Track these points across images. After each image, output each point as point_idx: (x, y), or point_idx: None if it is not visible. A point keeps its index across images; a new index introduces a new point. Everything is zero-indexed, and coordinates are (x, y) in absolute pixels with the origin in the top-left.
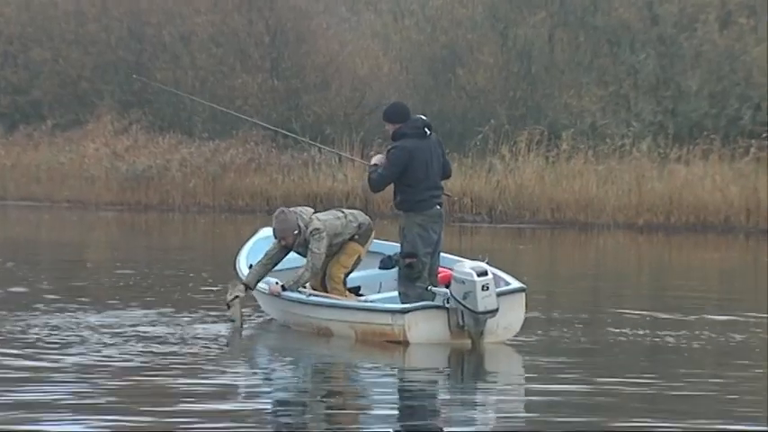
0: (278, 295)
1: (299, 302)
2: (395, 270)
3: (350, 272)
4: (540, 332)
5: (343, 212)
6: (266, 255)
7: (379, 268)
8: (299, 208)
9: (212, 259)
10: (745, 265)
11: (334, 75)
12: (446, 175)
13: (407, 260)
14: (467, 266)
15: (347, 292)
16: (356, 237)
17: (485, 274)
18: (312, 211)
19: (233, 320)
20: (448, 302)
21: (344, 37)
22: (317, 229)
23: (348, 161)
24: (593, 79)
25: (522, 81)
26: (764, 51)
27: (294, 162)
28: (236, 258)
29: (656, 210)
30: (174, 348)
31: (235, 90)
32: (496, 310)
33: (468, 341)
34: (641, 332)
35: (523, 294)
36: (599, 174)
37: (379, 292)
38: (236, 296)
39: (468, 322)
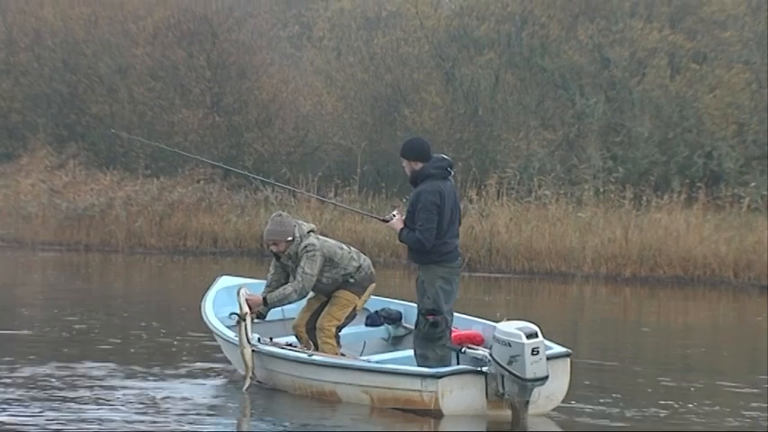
0: (258, 311)
1: (297, 362)
2: (382, 329)
3: (343, 326)
4: (573, 402)
5: (347, 247)
6: (268, 281)
7: (366, 325)
8: (300, 220)
9: (162, 306)
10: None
11: (278, 112)
12: (460, 221)
13: (431, 318)
14: (513, 326)
15: (339, 350)
16: (351, 281)
17: (535, 335)
18: (313, 227)
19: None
20: (484, 367)
21: (288, 73)
22: (313, 244)
23: (305, 201)
24: (541, 122)
25: (469, 122)
26: (716, 99)
27: (248, 202)
28: (202, 312)
29: (635, 260)
30: (145, 416)
31: (174, 125)
32: (546, 377)
33: (508, 412)
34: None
35: (568, 360)
36: (578, 221)
37: (362, 354)
38: (248, 313)
39: (510, 390)
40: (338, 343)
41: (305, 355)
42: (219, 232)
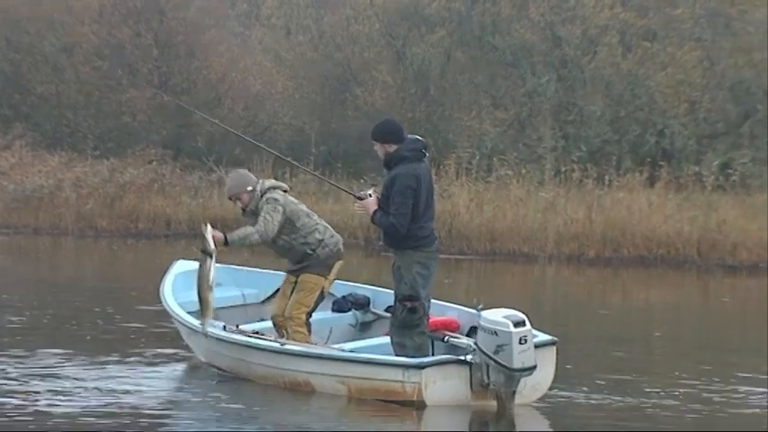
0: (221, 244)
1: (269, 351)
2: (349, 315)
3: (312, 310)
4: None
5: (317, 218)
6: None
7: (333, 311)
8: (267, 180)
9: (116, 291)
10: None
11: (227, 92)
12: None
13: (408, 303)
14: (499, 314)
15: (310, 337)
16: (310, 255)
17: (522, 324)
18: (282, 185)
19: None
20: (468, 356)
21: (237, 53)
22: (275, 199)
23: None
24: (492, 102)
25: (420, 102)
26: (668, 77)
27: (201, 183)
28: (161, 297)
29: (599, 241)
30: (104, 407)
31: (122, 105)
32: (534, 367)
33: (493, 403)
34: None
35: (554, 348)
36: (540, 202)
37: (328, 341)
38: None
39: (496, 380)
40: (309, 330)
41: (277, 344)
42: (172, 214)
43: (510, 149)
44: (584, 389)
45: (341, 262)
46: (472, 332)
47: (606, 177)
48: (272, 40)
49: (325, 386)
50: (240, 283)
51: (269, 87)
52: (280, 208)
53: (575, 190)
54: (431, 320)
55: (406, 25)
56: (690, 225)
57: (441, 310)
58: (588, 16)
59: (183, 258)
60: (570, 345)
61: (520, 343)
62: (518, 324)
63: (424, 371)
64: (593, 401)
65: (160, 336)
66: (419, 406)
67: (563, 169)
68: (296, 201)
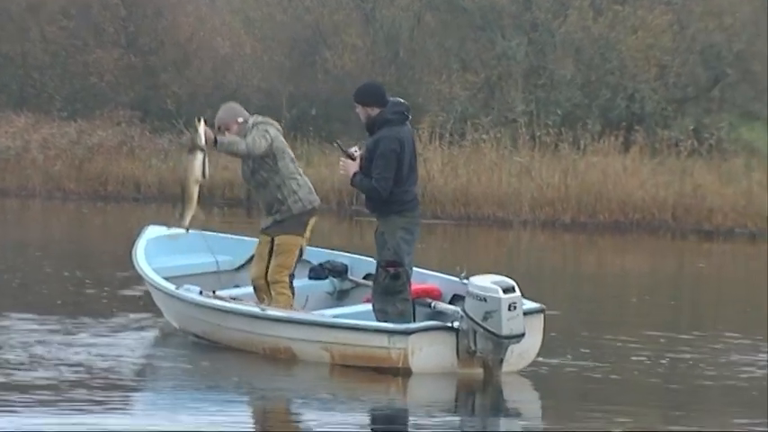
0: (211, 142)
1: (250, 316)
2: (326, 282)
3: (293, 272)
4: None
5: (301, 171)
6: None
7: (310, 278)
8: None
9: (86, 255)
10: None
11: (195, 52)
12: None
13: (392, 269)
14: (488, 280)
15: (294, 299)
16: (287, 212)
17: (512, 290)
18: (275, 123)
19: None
20: (455, 323)
21: (205, 12)
22: (266, 129)
23: None
24: (462, 65)
25: (390, 65)
26: (639, 41)
27: (171, 146)
28: (134, 261)
29: (574, 206)
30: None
31: (89, 66)
32: (523, 334)
33: (479, 370)
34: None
35: (542, 316)
36: (514, 166)
37: (305, 308)
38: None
39: (484, 347)
40: (293, 292)
41: (257, 309)
42: (142, 177)
43: (480, 113)
44: (569, 356)
45: (315, 218)
46: (455, 300)
47: (582, 142)
48: (241, 0)
49: (307, 353)
50: (214, 250)
51: (237, 49)
52: (269, 137)
53: (549, 154)
54: (413, 288)
55: None
56: (665, 190)
57: (423, 278)
58: None
59: (154, 223)
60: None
61: (509, 310)
62: (507, 290)
63: (410, 337)
64: (577, 368)
65: (131, 301)
66: (404, 373)
67: (537, 134)
68: (285, 143)
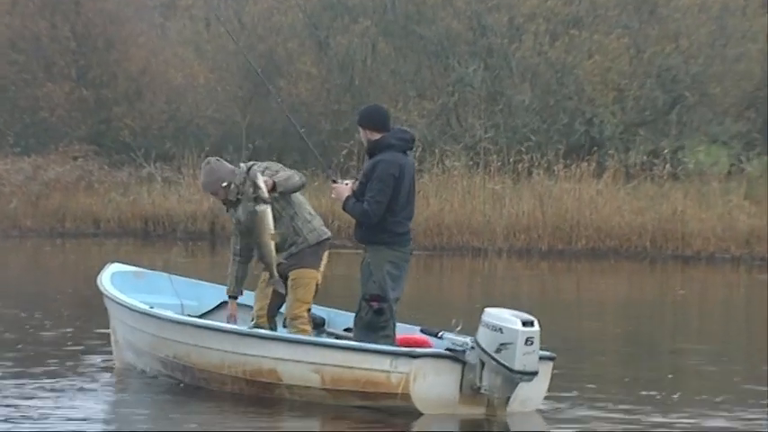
0: (271, 188)
1: (234, 333)
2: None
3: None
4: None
5: (307, 204)
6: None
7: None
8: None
9: (44, 295)
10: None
11: (148, 85)
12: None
13: (375, 304)
14: (506, 311)
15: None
16: (304, 245)
17: (531, 324)
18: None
19: None
20: (463, 353)
21: (157, 44)
22: (277, 165)
23: (191, 177)
24: (419, 92)
25: (345, 93)
26: (596, 64)
27: (131, 179)
28: (99, 286)
29: (550, 233)
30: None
31: (39, 100)
32: (536, 373)
33: (481, 410)
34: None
35: (551, 364)
36: (487, 193)
37: None
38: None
39: (491, 384)
40: (312, 326)
41: (244, 327)
42: (100, 212)
43: (438, 141)
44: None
45: (328, 252)
46: None
47: (555, 168)
48: (192, 31)
49: (295, 375)
50: (180, 293)
51: (191, 80)
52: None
53: (521, 181)
54: (402, 338)
55: (329, 15)
56: (641, 215)
57: (403, 332)
58: (515, 4)
59: (118, 262)
60: None
61: (526, 344)
62: (526, 324)
63: (415, 361)
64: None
65: (93, 344)
66: (402, 401)
67: (510, 159)
68: None
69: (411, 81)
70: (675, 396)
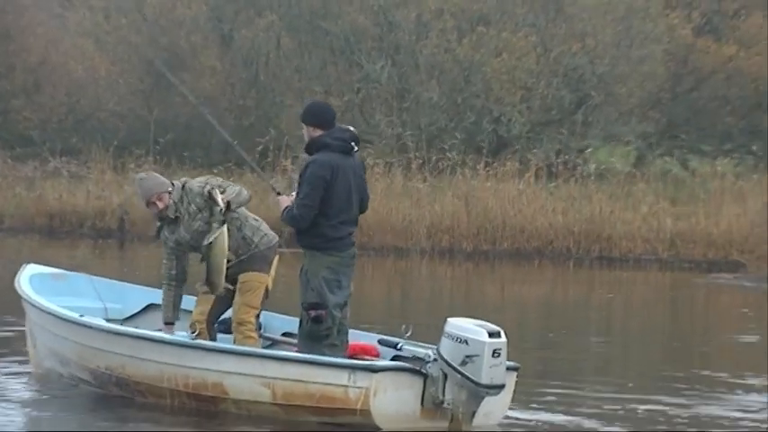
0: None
1: (176, 345)
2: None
3: (260, 312)
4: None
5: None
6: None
7: (219, 332)
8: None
9: None
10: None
11: (47, 77)
12: (363, 208)
13: (313, 313)
14: (470, 322)
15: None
16: (255, 249)
17: (497, 335)
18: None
19: None
20: (424, 366)
21: (56, 35)
22: (218, 179)
23: (99, 173)
24: (326, 88)
25: (250, 89)
26: (503, 63)
27: (36, 173)
28: (19, 290)
29: (475, 233)
30: None
31: None
32: (503, 386)
33: (443, 424)
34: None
35: (515, 375)
36: (410, 192)
37: None
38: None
39: (455, 398)
40: (259, 332)
41: (187, 338)
42: (4, 207)
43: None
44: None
45: (277, 257)
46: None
47: (478, 167)
48: (92, 22)
49: (243, 389)
50: (103, 296)
51: (92, 72)
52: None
53: (444, 181)
54: (354, 345)
55: (233, 8)
56: (565, 216)
57: (354, 337)
58: (422, 0)
59: (34, 263)
60: None
61: (493, 356)
62: (493, 335)
63: (375, 375)
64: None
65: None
66: (361, 417)
67: (433, 158)
68: None
69: (317, 77)
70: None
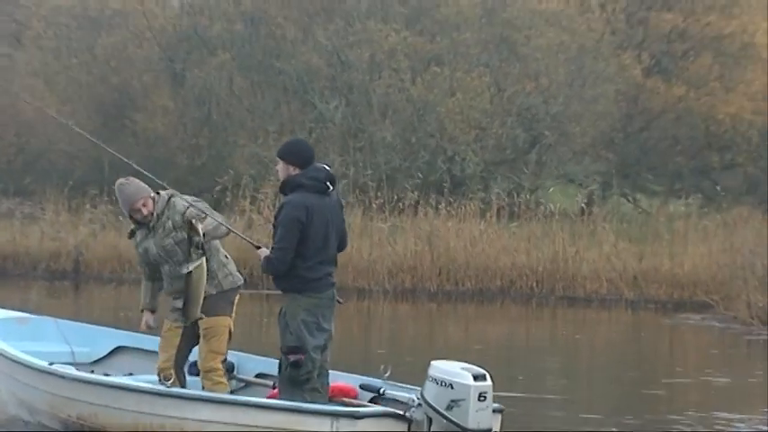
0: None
1: (150, 393)
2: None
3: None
4: None
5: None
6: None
7: (190, 375)
8: None
9: None
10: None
11: None
12: (343, 247)
13: (292, 357)
14: (456, 365)
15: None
16: (218, 289)
17: (483, 378)
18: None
19: None
20: (409, 411)
21: (5, 75)
22: (202, 212)
23: (53, 213)
24: (279, 127)
25: (203, 128)
26: (457, 102)
27: None
28: None
29: (437, 274)
30: None
31: None
32: (489, 430)
33: None
34: None
35: (500, 417)
36: (370, 231)
37: None
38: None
39: None
40: (228, 378)
41: (162, 386)
42: None
43: None
44: None
45: (238, 296)
46: (374, 402)
47: (440, 207)
48: (41, 62)
49: None
50: (69, 339)
51: (41, 112)
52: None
53: (406, 220)
54: (337, 385)
55: (185, 48)
56: (528, 255)
57: (335, 379)
58: (375, 40)
59: None
60: None
61: (479, 399)
62: (478, 378)
63: (359, 422)
64: None
65: None
66: None
67: (395, 197)
68: None
69: (270, 116)
70: None
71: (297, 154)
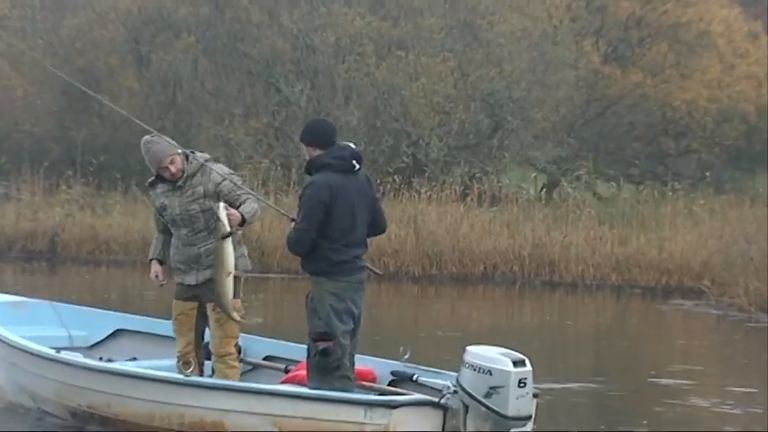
0: (238, 223)
1: (169, 383)
2: None
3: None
4: None
5: None
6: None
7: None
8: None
9: None
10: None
11: None
12: (379, 228)
13: (320, 344)
14: (494, 351)
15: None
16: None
17: (522, 363)
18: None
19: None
20: (444, 398)
21: None
22: (237, 191)
23: (29, 193)
24: (245, 110)
25: (169, 110)
26: (421, 87)
27: None
28: None
29: (421, 258)
30: None
31: None
32: (530, 417)
33: None
34: None
35: (535, 402)
36: None
37: None
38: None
39: (477, 430)
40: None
41: (181, 376)
42: None
43: (266, 159)
44: None
45: (244, 279)
46: (395, 385)
47: (422, 191)
48: (7, 43)
49: (246, 427)
50: (66, 323)
51: (8, 92)
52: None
53: (390, 203)
54: (362, 370)
55: (151, 30)
56: (512, 239)
57: (365, 363)
58: (341, 24)
59: None
60: None
61: (519, 386)
62: (518, 363)
63: (394, 411)
64: None
65: None
66: None
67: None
68: None
69: (235, 99)
70: None
71: (315, 134)
